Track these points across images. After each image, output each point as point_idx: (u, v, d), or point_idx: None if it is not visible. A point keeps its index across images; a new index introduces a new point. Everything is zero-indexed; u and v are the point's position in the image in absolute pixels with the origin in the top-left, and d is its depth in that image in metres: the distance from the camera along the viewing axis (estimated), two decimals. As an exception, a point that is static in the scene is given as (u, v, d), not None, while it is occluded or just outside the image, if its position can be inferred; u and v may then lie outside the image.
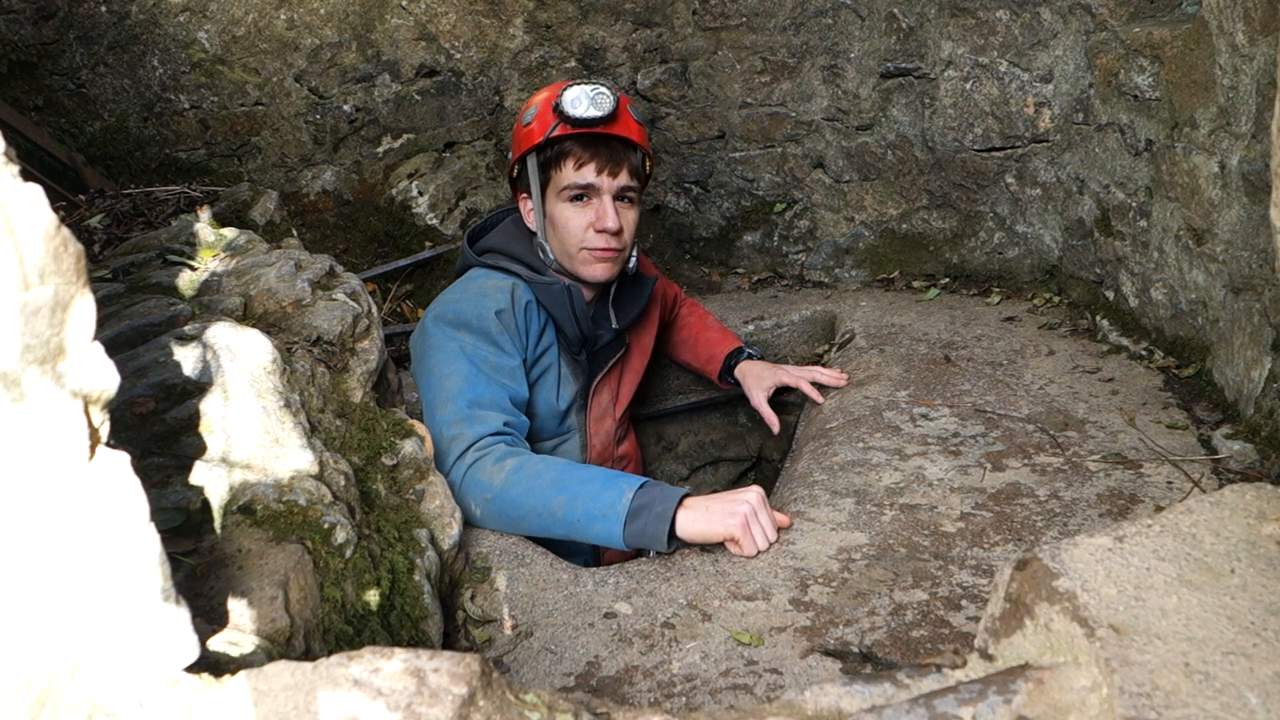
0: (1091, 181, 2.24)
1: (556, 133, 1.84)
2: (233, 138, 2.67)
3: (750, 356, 2.29)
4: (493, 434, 1.62)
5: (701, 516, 1.47)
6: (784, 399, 2.29)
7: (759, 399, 2.20)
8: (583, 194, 1.87)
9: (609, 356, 2.07)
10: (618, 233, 1.88)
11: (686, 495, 1.49)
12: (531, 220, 1.97)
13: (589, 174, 1.85)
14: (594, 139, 1.85)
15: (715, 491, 1.58)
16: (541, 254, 1.93)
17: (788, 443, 2.34)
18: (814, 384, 2.18)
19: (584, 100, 1.81)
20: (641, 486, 1.49)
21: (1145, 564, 0.86)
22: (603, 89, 1.83)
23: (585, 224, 1.87)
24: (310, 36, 2.65)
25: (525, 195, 1.97)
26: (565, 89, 1.83)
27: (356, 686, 0.75)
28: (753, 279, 2.93)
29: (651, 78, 2.90)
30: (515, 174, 1.98)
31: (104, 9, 2.54)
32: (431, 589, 1.27)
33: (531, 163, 1.90)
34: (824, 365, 2.31)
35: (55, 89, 2.56)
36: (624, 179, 1.88)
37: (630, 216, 1.92)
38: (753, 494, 1.51)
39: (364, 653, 0.78)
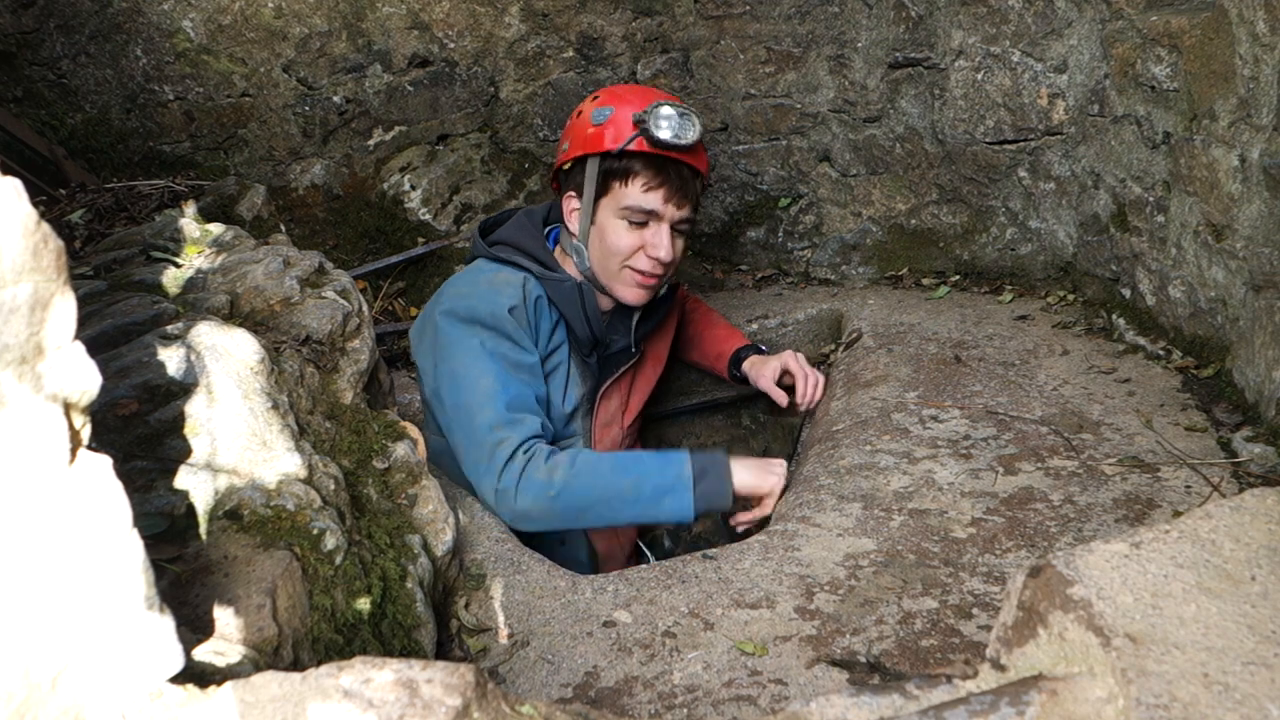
0: (1107, 175, 2.22)
1: (632, 147, 1.79)
2: (219, 130, 2.65)
3: (760, 352, 2.27)
4: (534, 436, 1.66)
5: (752, 471, 1.70)
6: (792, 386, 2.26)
7: (766, 383, 2.18)
8: (645, 219, 1.84)
9: (621, 362, 2.04)
10: (668, 263, 1.87)
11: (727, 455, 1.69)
12: (574, 220, 1.91)
13: (655, 200, 1.82)
14: (666, 163, 1.81)
15: None
16: (576, 257, 1.89)
17: (793, 446, 2.32)
18: (788, 387, 2.15)
19: (674, 123, 1.76)
20: (691, 455, 1.66)
21: (1163, 571, 0.84)
22: (692, 115, 1.79)
23: (636, 245, 1.85)
24: (299, 25, 2.63)
25: (572, 194, 1.90)
26: (657, 105, 1.77)
27: (347, 698, 0.74)
28: (756, 276, 2.90)
29: (652, 68, 2.87)
30: (566, 168, 1.92)
31: (85, -4, 2.52)
32: (424, 597, 1.26)
33: (592, 167, 1.84)
34: (830, 365, 2.29)
35: (35, 80, 2.55)
36: (686, 210, 1.86)
37: (680, 245, 1.90)
38: (780, 465, 1.73)
39: (355, 663, 0.77)
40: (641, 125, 1.77)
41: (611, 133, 1.80)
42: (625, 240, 1.84)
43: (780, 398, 2.16)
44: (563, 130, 1.97)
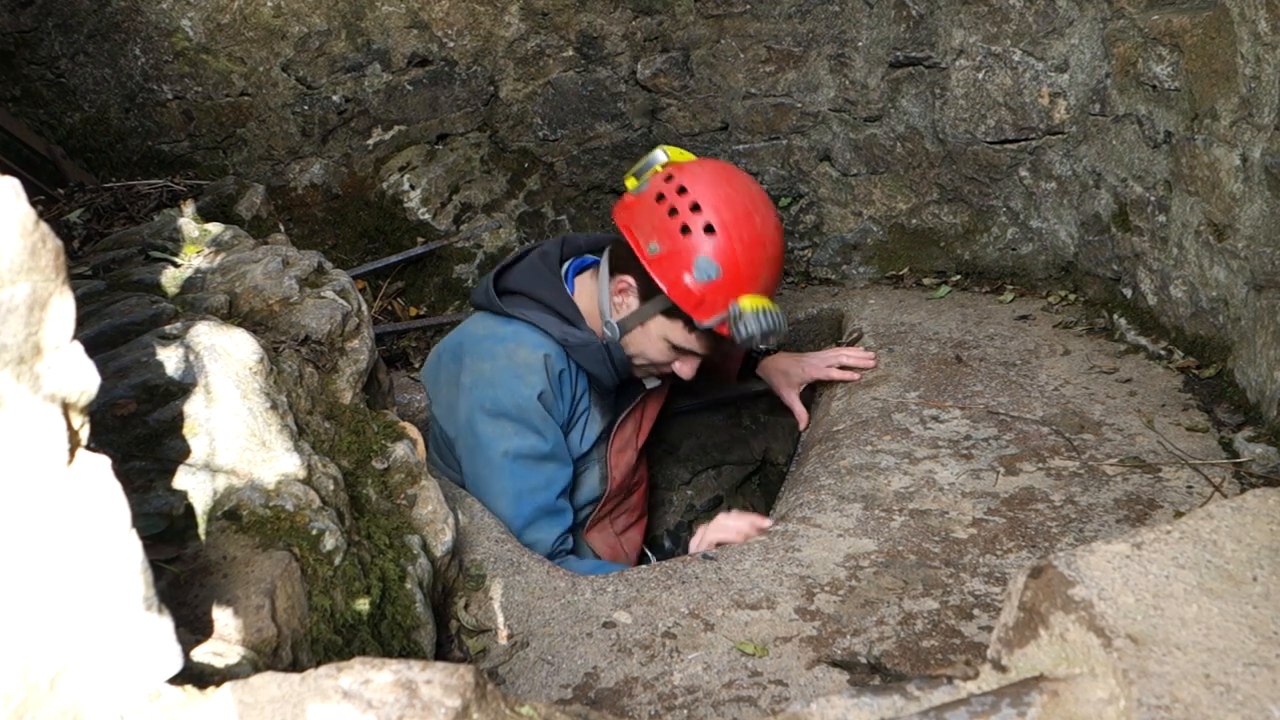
0: (1108, 175, 2.21)
1: (713, 327, 1.78)
2: (217, 129, 2.65)
3: (768, 351, 2.27)
4: (561, 534, 1.78)
5: (715, 532, 1.68)
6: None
7: (791, 396, 2.18)
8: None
9: (636, 394, 2.06)
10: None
11: None
12: (621, 302, 1.87)
13: (700, 347, 1.86)
14: None
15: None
16: (609, 332, 1.88)
17: (793, 446, 2.31)
18: (842, 367, 2.15)
19: (758, 335, 1.75)
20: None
21: (1164, 572, 0.84)
22: (781, 323, 1.78)
23: (668, 357, 1.89)
24: (298, 24, 2.62)
25: (630, 282, 1.86)
26: (762, 312, 1.74)
27: (346, 699, 0.74)
28: (758, 276, 2.89)
29: (652, 67, 2.87)
30: (627, 254, 1.84)
31: (83, -6, 2.52)
32: (424, 597, 1.26)
33: (663, 296, 1.80)
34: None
35: (33, 79, 2.54)
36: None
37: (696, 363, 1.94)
38: (745, 521, 1.67)
39: (354, 664, 0.77)
40: (735, 322, 1.75)
41: (706, 304, 1.77)
42: (663, 357, 1.89)
43: (802, 416, 2.15)
44: (645, 193, 1.83)
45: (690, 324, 1.80)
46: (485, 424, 1.76)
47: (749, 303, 1.74)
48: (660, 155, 1.88)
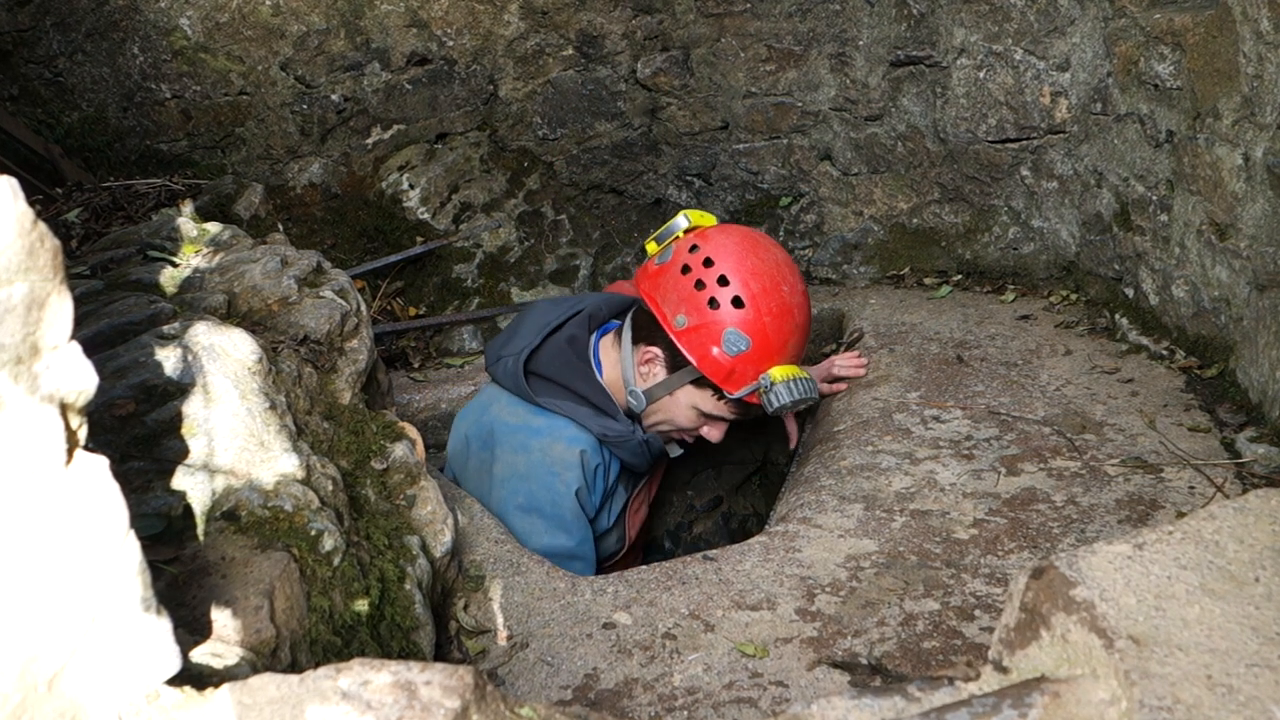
0: (1110, 174, 2.21)
1: (743, 396, 1.79)
2: (216, 129, 2.64)
3: None
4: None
5: None
6: None
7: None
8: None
9: (657, 463, 2.07)
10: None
11: None
12: (647, 371, 1.86)
13: (729, 413, 1.87)
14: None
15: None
16: (633, 401, 1.88)
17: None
18: (833, 379, 2.15)
19: (789, 405, 1.76)
20: None
21: (1166, 572, 0.84)
22: (812, 396, 1.79)
23: (696, 424, 1.89)
24: (297, 23, 2.62)
25: (656, 352, 1.84)
26: (793, 381, 1.75)
27: (345, 700, 0.74)
28: (759, 276, 2.89)
29: (652, 66, 2.86)
30: (652, 323, 1.82)
31: (82, -6, 2.51)
32: (423, 598, 1.25)
33: (692, 367, 1.80)
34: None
35: (31, 78, 2.54)
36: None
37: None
38: None
39: (353, 665, 0.77)
40: (766, 393, 1.76)
41: (736, 375, 1.77)
42: (691, 424, 1.89)
43: (792, 435, 2.13)
44: (669, 264, 1.81)
45: (720, 393, 1.81)
46: (517, 518, 1.75)
47: (780, 373, 1.75)
48: (682, 221, 1.87)
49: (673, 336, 1.78)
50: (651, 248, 1.90)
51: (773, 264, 1.80)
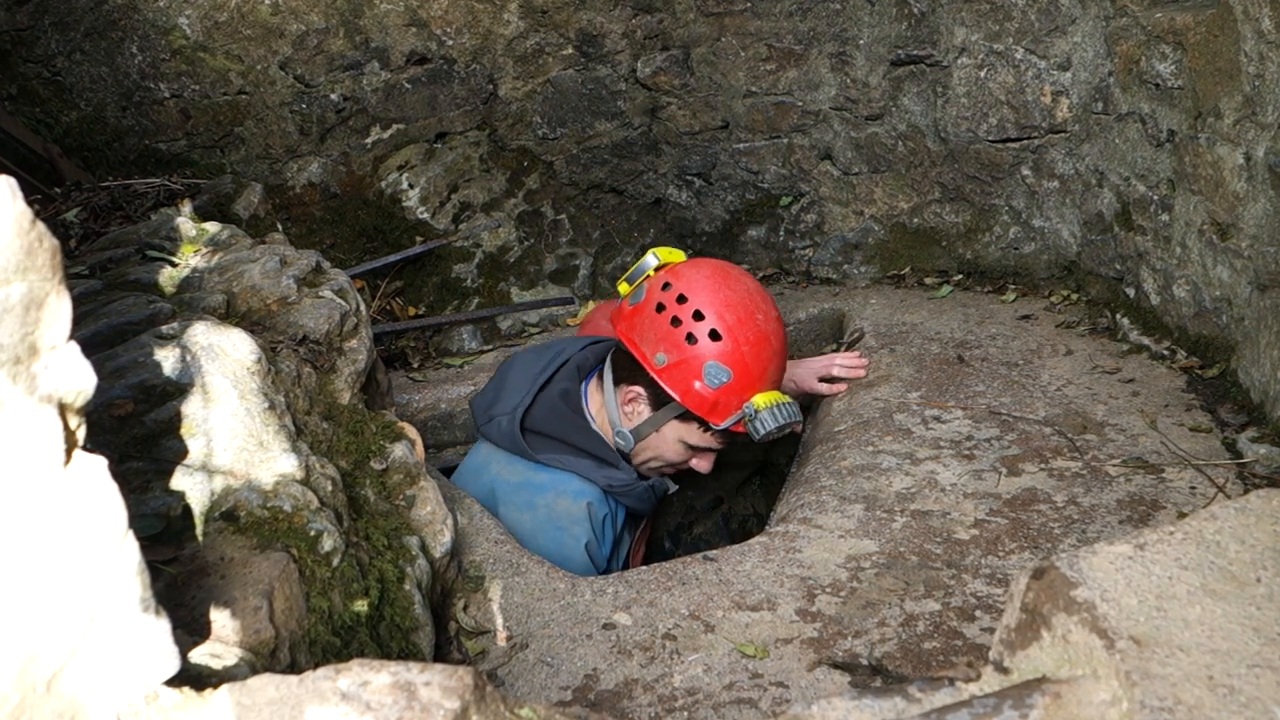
0: (1111, 174, 2.21)
1: (727, 427, 1.80)
2: (215, 128, 2.64)
3: None
4: None
5: None
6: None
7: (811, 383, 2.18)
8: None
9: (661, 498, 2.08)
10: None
11: None
12: (632, 411, 1.87)
13: (716, 444, 1.88)
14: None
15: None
16: (621, 441, 1.89)
17: (794, 446, 2.30)
18: (832, 379, 2.15)
19: (774, 430, 1.77)
20: None
21: (1167, 573, 0.83)
22: (796, 419, 1.80)
23: (685, 457, 1.90)
24: (296, 22, 2.62)
25: (639, 392, 1.86)
26: (776, 406, 1.76)
27: (344, 700, 0.74)
28: (758, 275, 2.88)
29: (652, 65, 2.86)
30: (632, 363, 1.83)
31: (80, -7, 2.51)
32: (422, 599, 1.25)
33: (676, 403, 1.81)
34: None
35: (30, 77, 2.54)
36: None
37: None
38: None
39: (352, 665, 0.76)
40: (751, 421, 1.77)
41: (720, 406, 1.78)
42: (679, 457, 1.90)
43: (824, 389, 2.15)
44: (643, 303, 1.81)
45: (706, 425, 1.82)
46: None
47: (763, 400, 1.77)
48: (651, 260, 1.89)
49: (655, 375, 1.79)
50: (624, 288, 1.91)
51: (745, 294, 1.82)
